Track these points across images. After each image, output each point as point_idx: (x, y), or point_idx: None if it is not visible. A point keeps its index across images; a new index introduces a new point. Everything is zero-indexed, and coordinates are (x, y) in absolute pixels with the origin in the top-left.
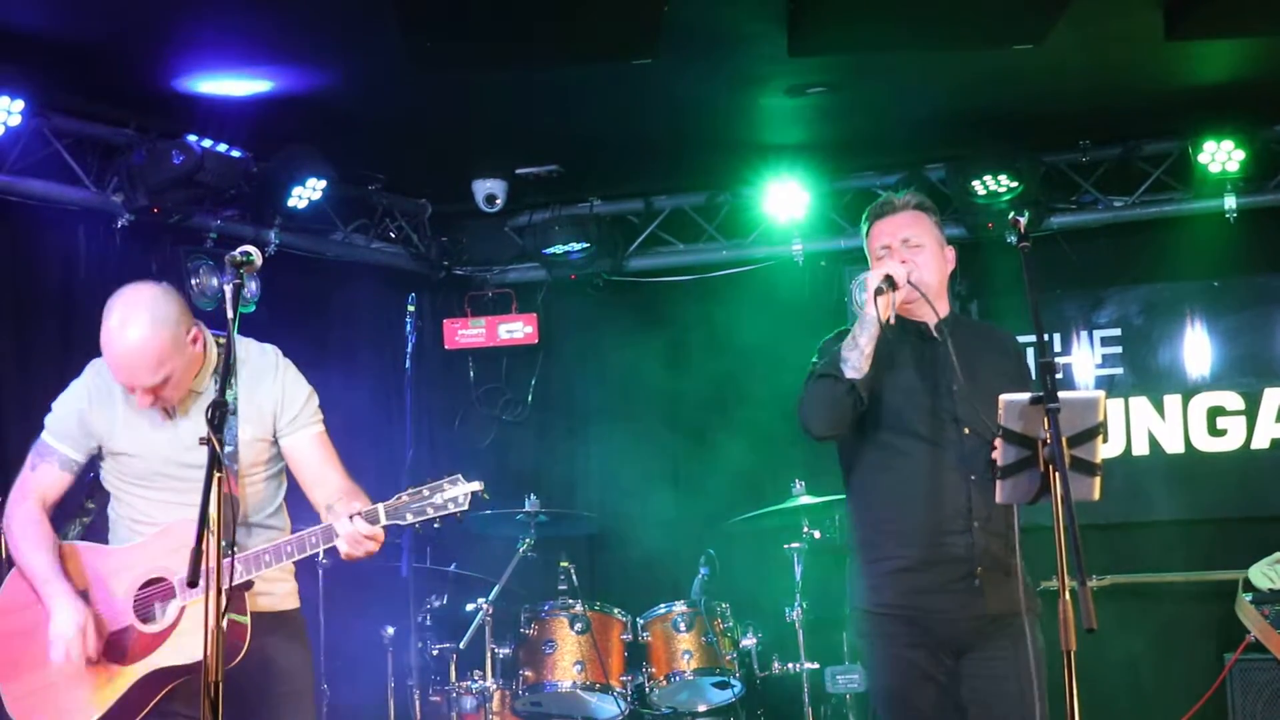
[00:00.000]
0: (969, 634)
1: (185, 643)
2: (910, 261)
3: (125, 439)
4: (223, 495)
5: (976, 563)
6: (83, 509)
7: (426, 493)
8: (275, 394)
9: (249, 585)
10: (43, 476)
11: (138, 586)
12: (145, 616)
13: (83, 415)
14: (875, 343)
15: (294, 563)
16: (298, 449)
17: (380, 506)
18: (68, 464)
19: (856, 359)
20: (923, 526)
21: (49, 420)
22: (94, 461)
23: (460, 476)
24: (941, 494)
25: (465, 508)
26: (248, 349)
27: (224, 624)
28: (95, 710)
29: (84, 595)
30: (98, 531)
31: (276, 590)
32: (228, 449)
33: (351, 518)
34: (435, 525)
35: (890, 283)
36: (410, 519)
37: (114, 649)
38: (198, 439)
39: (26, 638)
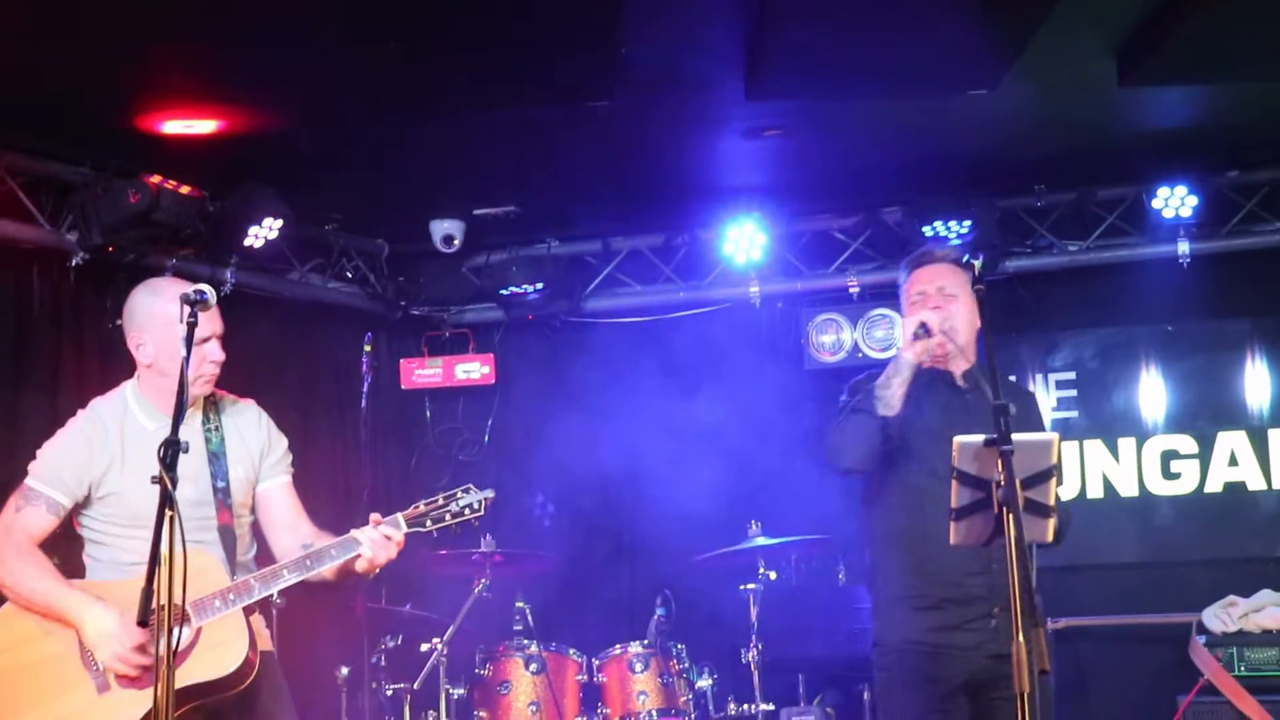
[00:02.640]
0: (985, 671)
1: (205, 659)
2: (944, 309)
3: (120, 478)
4: (221, 527)
5: (994, 602)
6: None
7: (442, 501)
8: (262, 438)
9: (254, 609)
10: (27, 518)
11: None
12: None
13: (78, 457)
14: (908, 385)
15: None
16: (272, 494)
17: (399, 515)
18: (55, 508)
19: (889, 398)
20: (944, 566)
21: (35, 467)
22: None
23: (473, 486)
24: None
25: (481, 514)
26: (231, 399)
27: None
28: None
29: None
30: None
31: (264, 631)
32: (219, 484)
33: (375, 524)
34: (454, 532)
35: (925, 329)
36: (430, 526)
37: (129, 677)
38: (191, 472)
39: (26, 676)
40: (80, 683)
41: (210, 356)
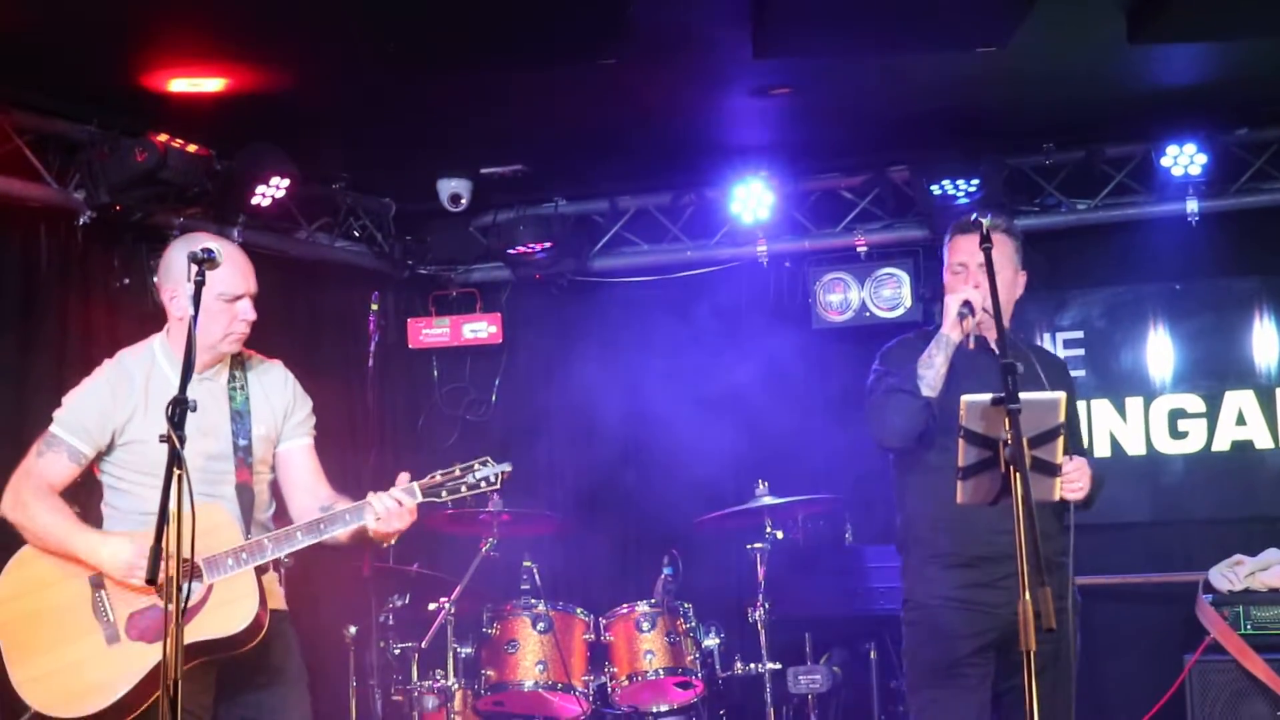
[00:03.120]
0: (1013, 628)
1: (216, 616)
2: (985, 285)
3: (142, 427)
4: (239, 484)
5: None
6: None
7: (459, 472)
8: (287, 398)
9: (266, 568)
10: (50, 464)
11: None
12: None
13: (103, 405)
14: (949, 361)
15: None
16: (294, 455)
17: (414, 484)
18: (76, 456)
19: (932, 377)
20: (976, 524)
21: (60, 414)
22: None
23: (490, 459)
24: None
25: (497, 487)
26: (258, 358)
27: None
28: (121, 687)
29: (103, 578)
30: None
31: (276, 589)
32: (241, 442)
33: (390, 492)
34: (468, 504)
35: (969, 308)
36: (445, 496)
37: (137, 629)
38: (212, 427)
39: (37, 621)
40: (90, 631)
41: (242, 315)
